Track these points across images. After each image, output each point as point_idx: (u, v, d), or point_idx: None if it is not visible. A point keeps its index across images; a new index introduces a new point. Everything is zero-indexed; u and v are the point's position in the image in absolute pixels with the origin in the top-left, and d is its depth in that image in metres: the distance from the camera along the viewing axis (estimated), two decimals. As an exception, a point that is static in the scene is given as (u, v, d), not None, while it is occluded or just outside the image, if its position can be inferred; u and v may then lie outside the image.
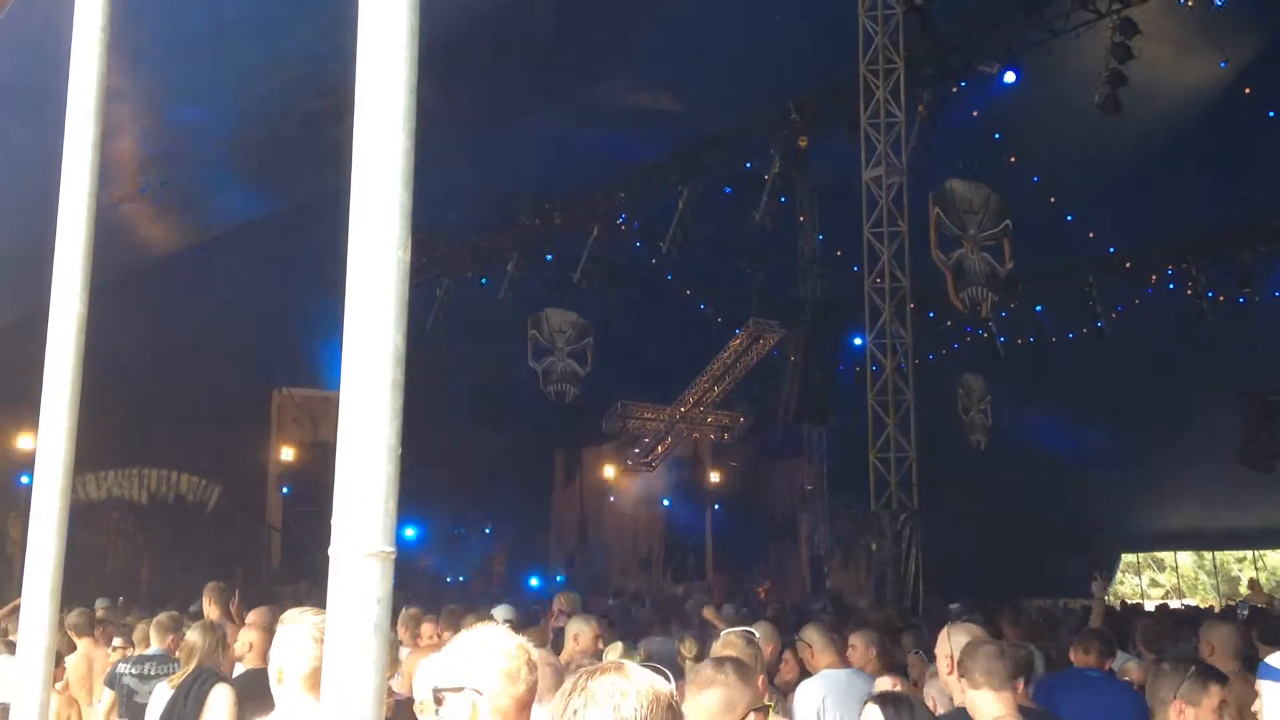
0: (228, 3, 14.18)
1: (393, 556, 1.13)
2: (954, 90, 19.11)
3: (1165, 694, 3.47)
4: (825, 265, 25.91)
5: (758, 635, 4.34)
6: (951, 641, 3.93)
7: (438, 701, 2.07)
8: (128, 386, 20.02)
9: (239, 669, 5.08)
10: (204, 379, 21.50)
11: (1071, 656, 5.34)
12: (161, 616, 5.93)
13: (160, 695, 4.80)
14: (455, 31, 17.29)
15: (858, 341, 19.22)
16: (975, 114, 20.37)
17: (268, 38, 15.04)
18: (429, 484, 23.62)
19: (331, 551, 1.12)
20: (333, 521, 1.13)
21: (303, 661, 2.75)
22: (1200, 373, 23.98)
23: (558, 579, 28.84)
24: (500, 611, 7.93)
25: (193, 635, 4.79)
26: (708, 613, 8.99)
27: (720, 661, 2.91)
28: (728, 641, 4.00)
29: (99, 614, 8.63)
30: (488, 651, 2.11)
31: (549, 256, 24.95)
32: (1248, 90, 21.10)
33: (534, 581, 28.04)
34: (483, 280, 25.23)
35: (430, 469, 23.33)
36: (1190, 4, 17.66)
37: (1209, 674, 3.60)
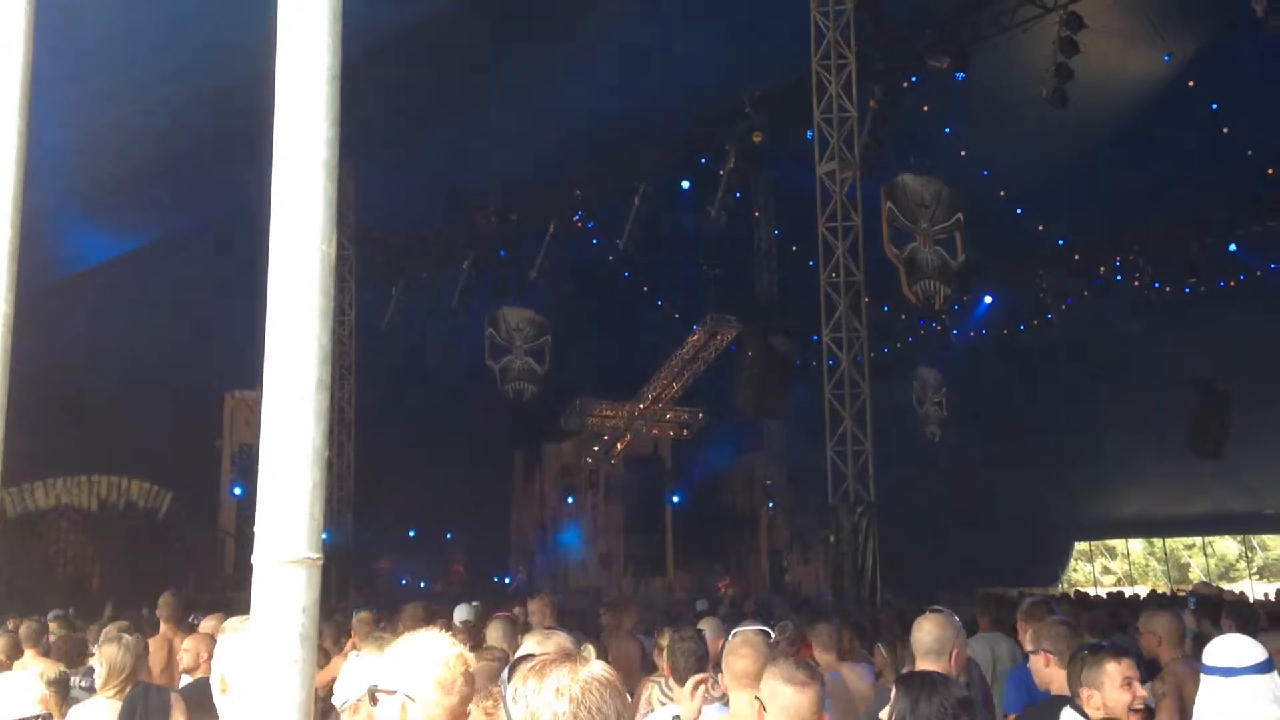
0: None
1: (319, 563, 1.08)
2: (905, 85, 19.24)
3: (1075, 685, 3.53)
4: (781, 260, 26.00)
5: (709, 632, 4.33)
6: (923, 630, 4.01)
7: (373, 700, 2.14)
8: (77, 393, 19.67)
9: (185, 680, 4.97)
10: (155, 384, 21.15)
11: (1023, 634, 5.37)
12: (110, 628, 5.78)
13: (94, 711, 4.62)
14: (409, 25, 17.17)
15: (814, 336, 19.29)
16: (926, 108, 20.52)
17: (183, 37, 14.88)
18: (385, 485, 23.43)
19: (255, 559, 1.07)
20: (255, 528, 1.08)
21: (245, 669, 2.68)
22: (1149, 362, 24.34)
23: (509, 578, 28.75)
24: (460, 612, 7.84)
25: (117, 652, 4.59)
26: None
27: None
28: (746, 639, 3.96)
29: (53, 626, 8.44)
30: (426, 659, 2.14)
31: (504, 254, 24.83)
32: (1191, 83, 21.42)
33: (506, 580, 27.99)
34: (440, 278, 25.08)
35: (387, 470, 23.16)
36: (1135, -2, 17.92)
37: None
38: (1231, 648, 3.22)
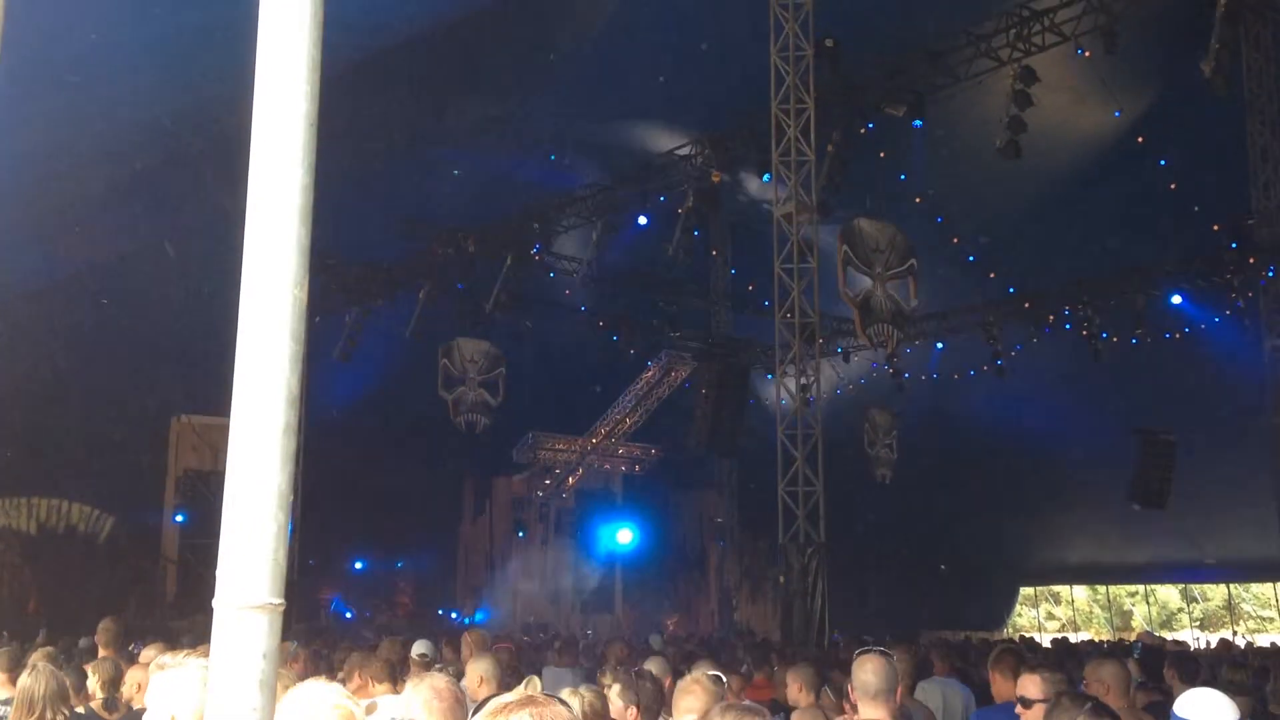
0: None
1: (281, 609, 1.08)
2: (862, 132, 19.52)
3: None
4: (737, 299, 26.17)
5: (656, 670, 4.32)
6: (867, 670, 4.01)
7: None
8: (17, 414, 19.27)
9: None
10: (100, 405, 20.78)
11: (994, 679, 5.39)
12: (39, 655, 5.63)
13: None
14: (370, 57, 17.18)
15: (768, 375, 19.40)
16: (882, 155, 20.83)
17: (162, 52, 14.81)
18: (334, 516, 23.13)
19: (216, 603, 1.07)
20: (217, 572, 1.07)
21: (196, 708, 2.63)
22: (1095, 411, 24.71)
23: (477, 617, 28.36)
24: (418, 646, 7.81)
25: (31, 682, 4.46)
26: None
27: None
28: (696, 680, 3.94)
29: (8, 650, 8.19)
30: (301, 713, 2.14)
31: (461, 285, 24.74)
32: (1140, 139, 21.95)
33: (454, 615, 27.63)
34: (395, 307, 24.91)
35: (335, 500, 22.88)
36: (1087, 54, 18.34)
37: (1103, 711, 3.68)
38: (1215, 703, 3.26)
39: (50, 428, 20.15)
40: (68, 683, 4.66)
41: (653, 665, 5.69)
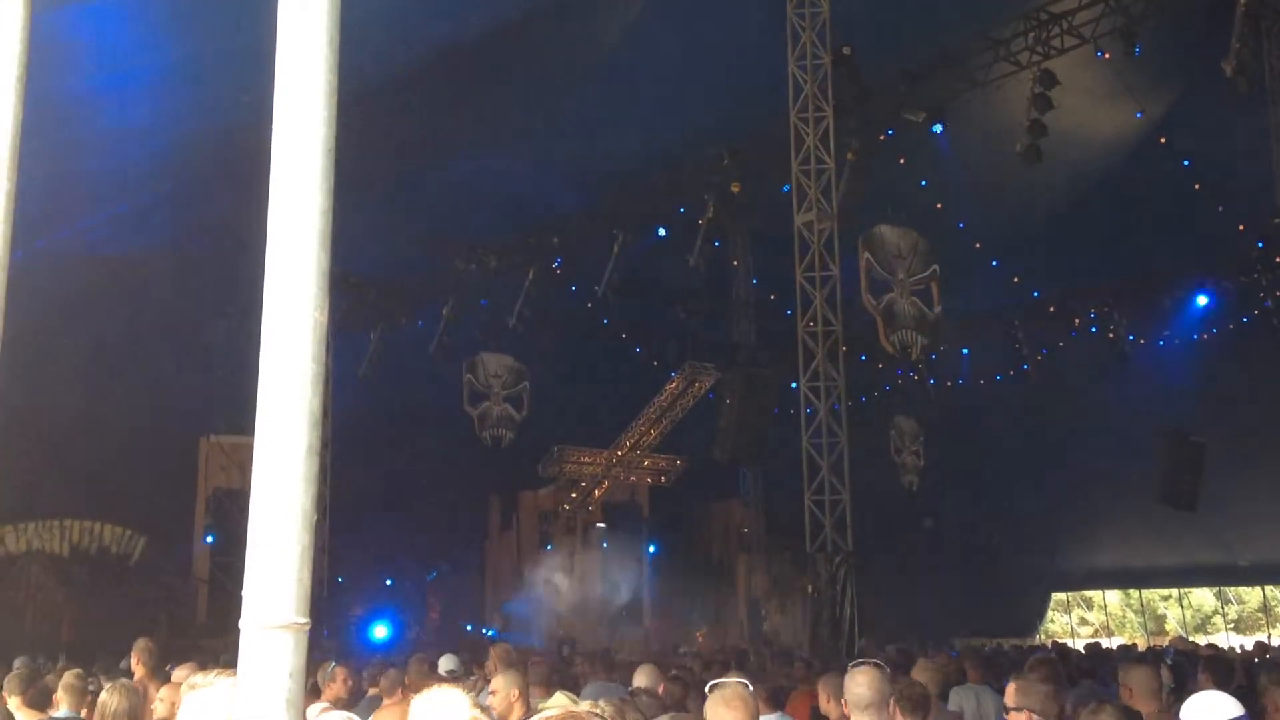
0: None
1: (306, 628, 1.09)
2: (881, 138, 19.50)
3: None
4: (759, 308, 26.13)
5: (646, 684, 4.32)
6: (859, 683, 4.02)
7: None
8: (48, 434, 19.47)
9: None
10: (130, 426, 20.96)
11: None
12: (68, 677, 5.66)
13: None
14: (388, 74, 17.31)
15: (792, 385, 19.36)
16: (902, 161, 20.79)
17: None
18: (361, 532, 23.22)
19: (242, 623, 1.08)
20: (243, 592, 1.09)
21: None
22: (1123, 414, 24.50)
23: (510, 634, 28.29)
24: (445, 662, 7.81)
25: (107, 697, 4.54)
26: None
27: None
28: (735, 692, 3.94)
29: (19, 673, 8.26)
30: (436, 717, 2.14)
31: (484, 301, 24.86)
32: (1163, 140, 21.80)
33: (484, 631, 27.63)
34: (419, 324, 25.07)
35: (363, 516, 22.97)
36: (1107, 56, 18.26)
37: (1128, 714, 3.67)
38: (1214, 703, 3.30)
39: (81, 449, 20.33)
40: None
41: (641, 678, 5.70)
